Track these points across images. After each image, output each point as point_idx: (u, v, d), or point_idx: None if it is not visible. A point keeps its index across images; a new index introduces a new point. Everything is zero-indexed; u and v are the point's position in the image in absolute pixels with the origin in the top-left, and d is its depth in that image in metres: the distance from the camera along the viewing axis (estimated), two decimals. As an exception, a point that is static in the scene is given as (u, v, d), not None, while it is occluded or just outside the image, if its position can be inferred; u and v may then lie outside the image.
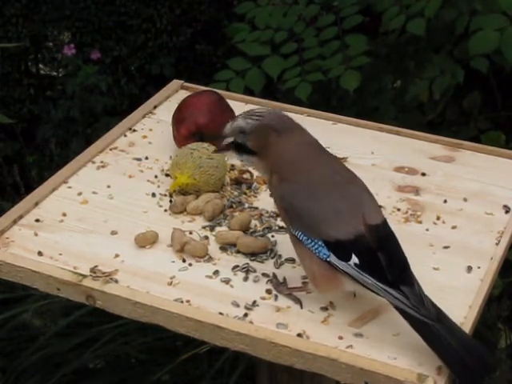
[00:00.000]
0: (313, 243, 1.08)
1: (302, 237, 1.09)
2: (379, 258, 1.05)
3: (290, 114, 1.54)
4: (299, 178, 1.11)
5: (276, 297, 1.14)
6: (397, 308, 1.04)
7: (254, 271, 1.18)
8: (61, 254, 1.21)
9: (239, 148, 1.15)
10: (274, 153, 1.12)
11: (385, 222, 1.10)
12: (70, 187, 1.36)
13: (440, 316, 1.03)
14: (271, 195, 1.18)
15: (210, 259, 1.21)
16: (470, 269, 1.19)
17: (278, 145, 1.11)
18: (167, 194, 1.34)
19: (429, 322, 1.02)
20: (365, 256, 1.06)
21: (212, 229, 1.26)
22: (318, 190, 1.10)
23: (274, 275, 1.17)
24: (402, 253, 1.09)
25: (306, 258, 1.11)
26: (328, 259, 1.07)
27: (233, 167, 1.40)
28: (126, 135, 1.49)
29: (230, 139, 1.15)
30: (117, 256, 1.21)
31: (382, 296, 1.05)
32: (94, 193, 1.34)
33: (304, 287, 1.15)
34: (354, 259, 1.06)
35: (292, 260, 1.20)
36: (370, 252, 1.06)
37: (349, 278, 1.07)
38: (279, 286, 1.15)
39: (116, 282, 1.15)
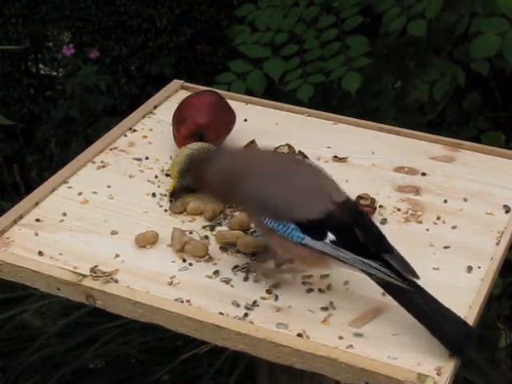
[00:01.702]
0: (285, 228, 1.08)
1: (272, 224, 1.09)
2: (356, 233, 1.07)
3: (291, 115, 1.57)
4: (254, 175, 1.11)
5: (276, 297, 1.14)
6: (379, 282, 1.06)
7: (255, 271, 1.18)
8: (61, 254, 1.21)
9: (189, 188, 1.17)
10: (217, 179, 1.12)
11: (349, 199, 1.12)
12: (70, 187, 1.36)
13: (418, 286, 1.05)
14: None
15: (210, 259, 1.21)
16: (470, 269, 1.19)
17: (214, 172, 1.12)
18: (167, 194, 1.34)
19: (411, 292, 1.04)
20: (341, 232, 1.07)
21: (212, 228, 1.26)
22: (278, 178, 1.10)
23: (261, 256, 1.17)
24: (375, 225, 1.11)
25: (284, 244, 1.10)
26: (303, 242, 1.08)
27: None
28: (126, 135, 1.49)
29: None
30: (117, 256, 1.21)
31: (362, 269, 1.06)
32: (94, 193, 1.34)
33: (292, 267, 1.15)
34: (330, 236, 1.06)
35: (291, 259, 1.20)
36: (346, 227, 1.07)
37: (329, 258, 1.08)
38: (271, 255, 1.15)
39: (116, 281, 1.15)
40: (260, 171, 1.11)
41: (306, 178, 1.12)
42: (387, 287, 1.07)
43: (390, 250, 1.08)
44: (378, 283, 1.07)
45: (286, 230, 1.09)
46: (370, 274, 1.07)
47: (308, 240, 1.08)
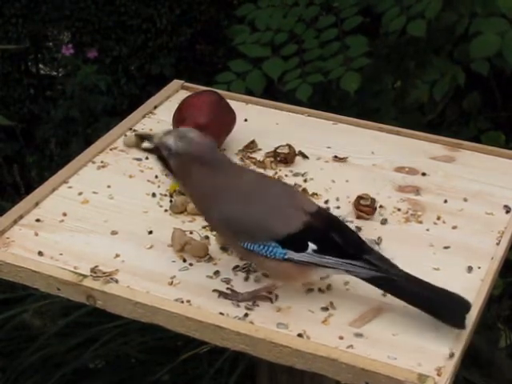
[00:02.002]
0: (265, 248, 1.09)
1: (252, 247, 1.10)
2: (334, 238, 1.09)
3: (291, 115, 1.57)
4: (228, 196, 1.11)
5: (276, 297, 1.14)
6: (365, 279, 1.09)
7: (255, 271, 1.18)
8: (61, 254, 1.21)
9: (162, 161, 1.13)
10: (194, 182, 1.11)
11: (320, 207, 1.14)
12: (70, 187, 1.36)
13: (405, 273, 1.09)
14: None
15: (211, 259, 1.20)
16: (470, 269, 1.19)
17: (198, 174, 1.11)
18: (167, 193, 1.34)
19: (398, 279, 1.07)
20: (321, 240, 1.09)
21: (212, 229, 1.26)
22: (251, 198, 1.11)
23: (226, 291, 1.15)
24: (349, 228, 1.14)
25: (265, 264, 1.11)
26: (286, 257, 1.09)
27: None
28: (126, 135, 1.49)
29: (156, 146, 1.13)
30: (117, 256, 1.21)
31: (347, 271, 1.09)
32: (94, 193, 1.34)
33: (268, 286, 1.14)
34: (312, 246, 1.08)
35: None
36: (324, 234, 1.10)
37: (313, 267, 1.10)
38: (238, 296, 1.14)
39: (116, 281, 1.15)
40: (232, 193, 1.11)
41: (276, 194, 1.13)
42: (375, 282, 1.09)
43: (369, 250, 1.10)
44: (366, 280, 1.09)
45: (266, 250, 1.09)
46: (355, 274, 1.09)
47: (290, 254, 1.09)
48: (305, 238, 1.09)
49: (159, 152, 1.12)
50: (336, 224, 1.13)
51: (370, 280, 1.09)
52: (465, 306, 1.07)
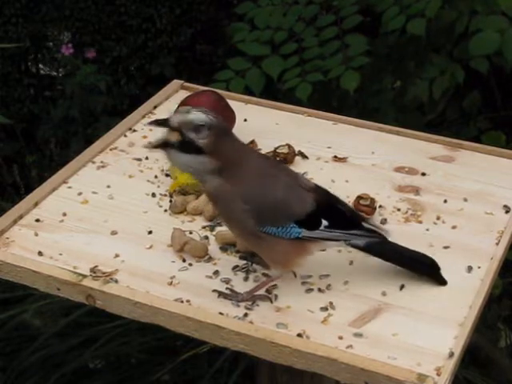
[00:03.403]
0: (284, 229, 1.10)
1: (271, 230, 1.10)
2: (342, 210, 1.14)
3: (291, 115, 1.57)
4: (248, 176, 1.10)
5: (276, 296, 1.14)
6: (359, 247, 1.13)
7: (254, 271, 1.18)
8: (61, 254, 1.21)
9: (187, 146, 1.05)
10: (225, 154, 1.07)
11: (316, 184, 1.17)
12: (70, 187, 1.36)
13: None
14: (212, 199, 1.12)
15: (210, 259, 1.21)
16: (470, 269, 1.19)
17: (227, 146, 1.08)
18: (167, 194, 1.34)
19: (390, 241, 1.15)
20: (332, 215, 1.12)
21: (212, 229, 1.26)
22: (269, 180, 1.11)
23: (225, 292, 1.14)
24: (342, 199, 1.18)
25: (275, 246, 1.11)
26: (301, 235, 1.10)
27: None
28: (126, 135, 1.49)
29: (173, 136, 1.05)
30: (117, 256, 1.21)
31: (348, 241, 1.13)
32: (94, 193, 1.34)
33: (266, 281, 1.15)
34: (324, 223, 1.11)
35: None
36: (334, 208, 1.13)
37: (318, 242, 1.12)
38: (237, 296, 1.14)
39: (116, 281, 1.15)
40: (257, 171, 1.11)
41: (285, 175, 1.14)
42: (369, 249, 1.14)
43: (363, 217, 1.17)
44: (359, 248, 1.14)
45: (285, 231, 1.10)
46: (351, 245, 1.13)
47: (305, 232, 1.11)
48: (319, 216, 1.11)
49: (185, 137, 1.04)
50: (334, 197, 1.16)
51: (364, 247, 1.13)
52: (436, 265, 1.16)
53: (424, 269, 1.16)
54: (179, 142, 1.05)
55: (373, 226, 1.15)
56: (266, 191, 1.10)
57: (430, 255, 1.20)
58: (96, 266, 1.18)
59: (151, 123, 1.08)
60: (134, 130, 1.51)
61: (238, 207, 1.08)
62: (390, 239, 1.15)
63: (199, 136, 1.05)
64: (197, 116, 1.05)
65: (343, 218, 1.13)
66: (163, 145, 1.06)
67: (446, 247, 1.23)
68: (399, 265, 1.16)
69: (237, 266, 1.19)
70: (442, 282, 1.16)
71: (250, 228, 1.09)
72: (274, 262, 1.14)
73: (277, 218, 1.10)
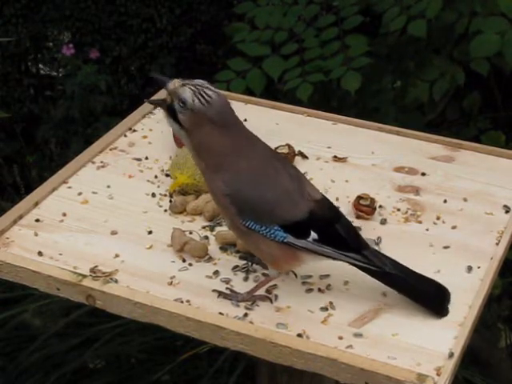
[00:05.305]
0: (267, 229, 1.09)
1: (254, 226, 1.09)
2: (338, 230, 1.10)
3: (291, 115, 1.57)
4: (238, 168, 1.09)
5: (276, 297, 1.14)
6: (363, 269, 1.10)
7: (254, 271, 1.18)
8: (61, 254, 1.21)
9: (172, 112, 1.11)
10: (203, 142, 1.08)
11: (324, 196, 1.14)
12: (70, 187, 1.36)
13: (398, 266, 1.11)
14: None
15: (210, 259, 1.21)
16: (469, 269, 1.19)
17: (209, 135, 1.08)
18: (167, 194, 1.34)
19: (393, 273, 1.09)
20: (324, 230, 1.09)
21: (212, 229, 1.26)
22: (262, 177, 1.10)
23: (225, 292, 1.15)
24: (350, 221, 1.14)
25: (261, 244, 1.10)
26: (285, 240, 1.09)
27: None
28: (126, 135, 1.49)
29: (166, 98, 1.12)
30: (117, 256, 1.21)
31: (345, 261, 1.10)
32: (94, 193, 1.34)
33: (265, 281, 1.14)
34: (313, 235, 1.09)
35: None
36: (328, 225, 1.10)
37: (308, 253, 1.10)
38: (237, 296, 1.14)
39: (116, 282, 1.15)
40: (253, 165, 1.10)
41: (286, 176, 1.11)
42: (370, 273, 1.11)
43: (367, 246, 1.11)
44: (360, 268, 1.11)
45: (268, 231, 1.09)
46: (353, 264, 1.11)
47: (290, 238, 1.09)
48: (308, 227, 1.09)
49: (171, 104, 1.10)
50: (339, 215, 1.13)
51: (364, 269, 1.10)
52: (444, 294, 1.11)
53: (427, 301, 1.11)
54: (167, 105, 1.12)
55: (376, 255, 1.11)
56: (254, 185, 1.09)
57: (430, 255, 1.20)
58: (96, 266, 1.18)
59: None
60: (134, 130, 1.51)
61: (218, 187, 1.09)
62: (390, 271, 1.10)
63: (181, 110, 1.09)
64: (186, 93, 1.09)
65: (337, 238, 1.10)
66: (159, 102, 1.14)
67: (445, 247, 1.23)
68: (400, 293, 1.12)
69: (237, 266, 1.19)
70: (442, 313, 1.11)
71: (234, 217, 1.09)
72: (264, 260, 1.14)
73: (259, 216, 1.09)
